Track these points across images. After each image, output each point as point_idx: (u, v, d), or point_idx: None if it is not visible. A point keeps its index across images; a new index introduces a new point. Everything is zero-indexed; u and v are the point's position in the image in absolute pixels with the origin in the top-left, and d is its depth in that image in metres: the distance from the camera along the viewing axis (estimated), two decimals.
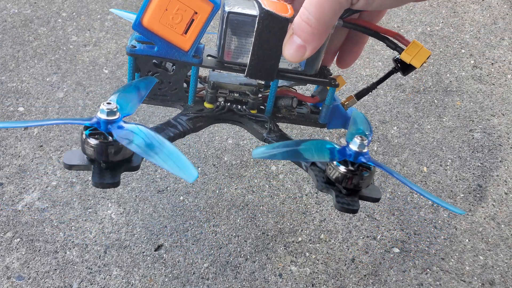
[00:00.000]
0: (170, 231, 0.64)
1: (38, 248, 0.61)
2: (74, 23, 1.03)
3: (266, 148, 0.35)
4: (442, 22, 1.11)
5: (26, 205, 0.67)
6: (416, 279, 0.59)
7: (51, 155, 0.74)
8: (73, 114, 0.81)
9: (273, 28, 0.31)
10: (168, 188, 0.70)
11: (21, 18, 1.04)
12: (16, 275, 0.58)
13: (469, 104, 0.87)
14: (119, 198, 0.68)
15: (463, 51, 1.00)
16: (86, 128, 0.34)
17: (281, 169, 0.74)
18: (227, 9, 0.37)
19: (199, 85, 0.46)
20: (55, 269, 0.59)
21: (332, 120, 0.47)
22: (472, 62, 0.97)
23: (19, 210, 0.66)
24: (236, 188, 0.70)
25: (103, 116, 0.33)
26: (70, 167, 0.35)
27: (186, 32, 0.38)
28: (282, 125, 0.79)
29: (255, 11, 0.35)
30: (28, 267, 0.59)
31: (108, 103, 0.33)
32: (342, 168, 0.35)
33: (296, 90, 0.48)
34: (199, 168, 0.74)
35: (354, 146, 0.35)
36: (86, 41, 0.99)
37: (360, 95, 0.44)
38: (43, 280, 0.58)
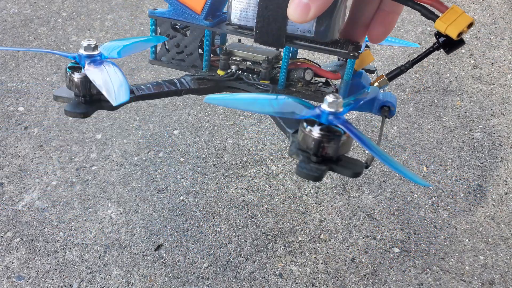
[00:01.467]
0: (170, 231, 0.64)
1: (38, 248, 0.61)
2: (74, 22, 1.03)
3: (224, 94, 0.32)
4: None
5: (26, 205, 0.67)
6: (416, 279, 0.59)
7: (51, 155, 0.74)
8: None
9: None
10: (168, 188, 0.70)
11: (21, 18, 1.04)
12: (16, 275, 0.58)
13: (469, 104, 0.87)
14: (119, 198, 0.68)
15: (463, 51, 1.00)
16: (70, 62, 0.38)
17: (281, 169, 0.74)
18: None
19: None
20: (55, 269, 0.59)
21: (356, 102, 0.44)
22: (472, 62, 0.97)
23: (19, 210, 0.66)
24: (236, 188, 0.70)
25: (82, 51, 0.37)
26: (56, 98, 0.39)
27: None
28: None
29: None
30: (28, 267, 0.59)
31: (88, 40, 0.37)
32: (306, 130, 0.30)
33: (319, 66, 0.45)
34: (199, 168, 0.74)
35: (325, 105, 0.29)
36: None
37: (392, 76, 0.40)
38: (43, 280, 0.58)
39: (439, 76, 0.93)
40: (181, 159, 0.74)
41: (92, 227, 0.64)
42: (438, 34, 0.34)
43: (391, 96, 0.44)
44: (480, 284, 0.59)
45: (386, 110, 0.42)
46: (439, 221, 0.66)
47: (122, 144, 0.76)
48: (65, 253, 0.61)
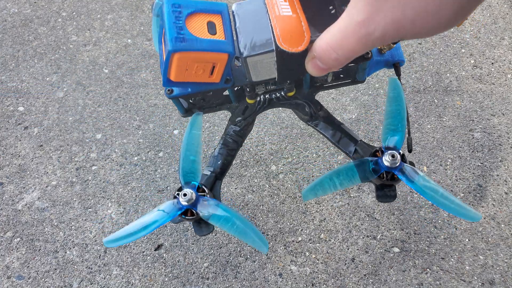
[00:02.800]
0: (170, 231, 0.64)
1: (38, 248, 0.61)
2: (74, 22, 1.03)
3: (309, 191, 0.41)
4: None
5: (26, 204, 0.67)
6: (416, 279, 0.59)
7: (51, 154, 0.74)
8: (73, 114, 0.81)
9: (292, 57, 0.30)
10: (168, 187, 0.70)
11: (21, 18, 1.04)
12: (16, 275, 0.58)
13: (469, 103, 0.87)
14: (119, 197, 0.68)
15: (463, 50, 1.00)
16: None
17: (281, 169, 0.74)
18: (244, 51, 0.35)
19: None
20: (55, 269, 0.59)
21: (372, 69, 0.47)
22: (472, 61, 0.97)
23: (19, 210, 0.66)
24: (236, 188, 0.70)
25: (185, 203, 0.41)
26: (176, 222, 0.44)
27: (212, 74, 0.39)
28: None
29: (270, 41, 0.34)
30: (28, 266, 0.59)
31: (185, 195, 0.40)
32: (378, 180, 0.41)
33: None
34: None
35: (387, 163, 0.40)
36: (86, 41, 0.98)
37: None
38: (43, 279, 0.58)
39: (439, 76, 0.93)
40: (176, 157, 0.74)
41: (92, 227, 0.64)
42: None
43: (397, 49, 0.48)
44: (480, 284, 0.59)
45: (397, 65, 0.47)
46: (439, 221, 0.66)
47: (122, 144, 0.76)
48: (65, 253, 0.61)
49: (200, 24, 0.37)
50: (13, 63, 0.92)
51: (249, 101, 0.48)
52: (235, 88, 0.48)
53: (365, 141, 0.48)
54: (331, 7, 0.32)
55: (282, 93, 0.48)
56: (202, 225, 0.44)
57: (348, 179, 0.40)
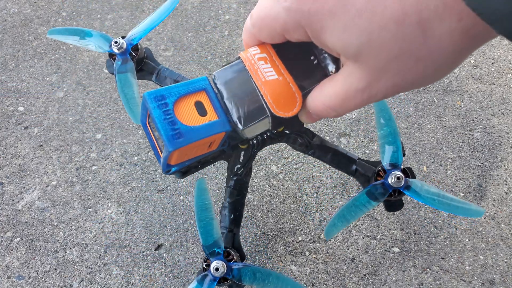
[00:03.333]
0: (170, 231, 0.64)
1: (38, 248, 0.61)
2: (74, 22, 1.03)
3: (330, 225, 0.44)
4: None
5: (26, 204, 0.67)
6: (416, 279, 0.59)
7: (51, 154, 0.74)
8: (73, 114, 0.81)
9: (287, 119, 0.30)
10: (168, 187, 0.70)
11: (21, 18, 1.04)
12: (16, 275, 0.58)
13: (469, 103, 0.87)
14: (119, 197, 0.68)
15: None
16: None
17: (281, 169, 0.74)
18: (240, 125, 0.33)
19: None
20: (55, 269, 0.59)
21: None
22: (472, 61, 0.97)
23: (19, 210, 0.66)
24: None
25: (219, 275, 0.42)
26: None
27: (209, 147, 0.39)
28: None
29: (262, 107, 0.33)
30: (28, 266, 0.59)
31: (217, 269, 0.42)
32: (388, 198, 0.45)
33: None
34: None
35: (393, 185, 0.44)
36: None
37: None
38: (43, 279, 0.58)
39: None
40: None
41: (92, 226, 0.64)
42: None
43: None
44: (480, 283, 0.59)
45: None
46: (439, 221, 0.66)
47: (122, 144, 0.76)
48: (65, 252, 0.61)
49: (188, 108, 0.36)
50: (13, 63, 0.92)
51: (242, 146, 0.49)
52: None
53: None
54: (312, 57, 0.31)
55: (273, 131, 0.49)
56: (234, 286, 0.45)
57: (363, 208, 0.44)
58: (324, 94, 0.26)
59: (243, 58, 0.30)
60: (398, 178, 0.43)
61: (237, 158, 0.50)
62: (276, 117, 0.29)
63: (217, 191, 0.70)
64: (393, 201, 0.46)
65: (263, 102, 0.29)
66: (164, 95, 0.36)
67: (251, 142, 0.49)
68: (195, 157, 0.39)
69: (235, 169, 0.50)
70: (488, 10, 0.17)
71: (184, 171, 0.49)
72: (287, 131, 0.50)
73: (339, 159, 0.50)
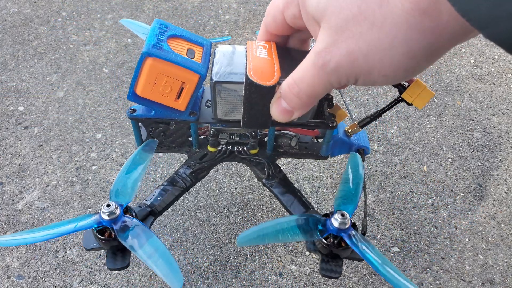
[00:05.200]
0: (170, 231, 0.64)
1: (38, 248, 0.61)
2: (74, 22, 1.03)
3: (247, 236, 0.37)
4: None
5: (26, 204, 0.67)
6: (416, 278, 0.59)
7: (51, 154, 0.74)
8: (73, 113, 0.81)
9: (260, 93, 0.30)
10: None
11: (21, 17, 1.04)
12: (16, 274, 0.58)
13: (469, 103, 0.87)
14: None
15: (463, 50, 1.00)
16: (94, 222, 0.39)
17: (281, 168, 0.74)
18: (214, 77, 0.37)
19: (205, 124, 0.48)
20: (55, 268, 0.59)
21: (335, 148, 0.48)
22: (472, 61, 0.97)
23: (19, 209, 0.66)
24: (236, 188, 0.70)
25: (106, 217, 0.37)
26: (89, 250, 0.41)
27: (178, 98, 0.39)
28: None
29: (242, 75, 0.35)
30: (28, 266, 0.59)
31: (108, 206, 0.37)
32: (324, 241, 0.38)
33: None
34: None
35: (335, 223, 0.37)
36: (86, 40, 0.98)
37: (363, 123, 0.45)
38: (43, 279, 0.58)
39: (439, 75, 0.93)
40: (181, 159, 0.74)
41: None
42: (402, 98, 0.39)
43: (364, 135, 0.49)
44: (480, 283, 0.59)
45: (361, 152, 0.47)
46: (439, 221, 0.66)
47: (122, 144, 0.76)
48: (65, 252, 0.61)
49: (180, 47, 0.38)
50: (13, 62, 0.92)
51: (210, 149, 0.48)
52: (200, 137, 0.48)
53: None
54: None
55: (245, 148, 0.48)
56: (117, 256, 0.40)
57: (291, 235, 0.37)
58: (295, 70, 0.27)
59: (248, 42, 0.33)
60: (343, 215, 0.37)
61: (198, 157, 0.48)
62: (250, 87, 0.30)
63: (217, 190, 0.70)
64: (331, 258, 0.39)
65: (245, 71, 0.30)
66: (169, 26, 0.39)
67: (220, 147, 0.48)
68: (161, 107, 0.39)
69: (191, 162, 0.48)
70: (476, 16, 0.17)
71: (145, 140, 0.46)
72: (259, 156, 0.48)
73: (293, 201, 0.46)
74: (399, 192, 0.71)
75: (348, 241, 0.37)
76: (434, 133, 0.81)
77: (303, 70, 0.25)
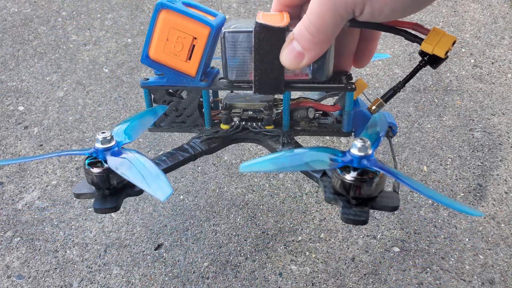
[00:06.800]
0: (170, 230, 0.64)
1: (38, 247, 0.61)
2: (74, 22, 1.03)
3: (253, 160, 0.32)
4: (442, 21, 1.11)
5: (26, 204, 0.67)
6: (416, 278, 0.59)
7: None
8: (73, 113, 0.81)
9: (270, 39, 0.30)
10: None
11: (21, 17, 1.04)
12: (16, 274, 0.58)
13: (469, 103, 0.87)
14: None
15: (463, 50, 1.00)
16: (87, 158, 0.37)
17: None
18: (223, 29, 0.37)
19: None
20: (55, 268, 0.59)
21: (360, 127, 0.44)
22: (473, 61, 0.97)
23: (19, 209, 0.66)
24: (236, 187, 0.70)
25: (99, 145, 0.35)
26: (78, 196, 0.38)
27: (190, 58, 0.40)
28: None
29: (251, 27, 0.35)
30: (28, 266, 0.59)
31: (103, 132, 0.35)
32: (345, 176, 0.32)
33: (314, 100, 0.46)
34: (199, 167, 0.74)
35: (355, 150, 0.31)
36: (86, 40, 0.98)
37: (387, 97, 0.41)
38: (43, 279, 0.58)
39: (439, 75, 0.93)
40: None
41: (92, 226, 0.64)
42: (422, 53, 0.35)
43: (389, 115, 0.46)
44: (480, 283, 0.59)
45: (389, 130, 0.44)
46: (439, 221, 0.66)
47: None
48: (65, 252, 0.61)
49: (194, 9, 0.40)
50: (13, 62, 0.92)
51: (223, 126, 0.46)
52: (212, 115, 0.46)
53: None
54: None
55: (260, 124, 0.45)
56: (107, 198, 0.37)
57: (311, 158, 0.32)
58: (309, 10, 0.27)
59: (259, 12, 0.33)
60: (362, 139, 0.31)
61: (211, 133, 0.46)
62: (259, 34, 0.30)
63: (217, 190, 0.70)
64: (357, 202, 0.32)
65: (254, 26, 0.31)
66: None
67: (232, 122, 0.46)
68: (173, 73, 0.39)
69: (204, 133, 0.45)
70: None
71: (156, 121, 0.45)
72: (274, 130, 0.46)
73: None
74: (399, 192, 0.71)
75: (374, 167, 0.31)
76: (434, 133, 0.81)
77: (312, 3, 0.26)
